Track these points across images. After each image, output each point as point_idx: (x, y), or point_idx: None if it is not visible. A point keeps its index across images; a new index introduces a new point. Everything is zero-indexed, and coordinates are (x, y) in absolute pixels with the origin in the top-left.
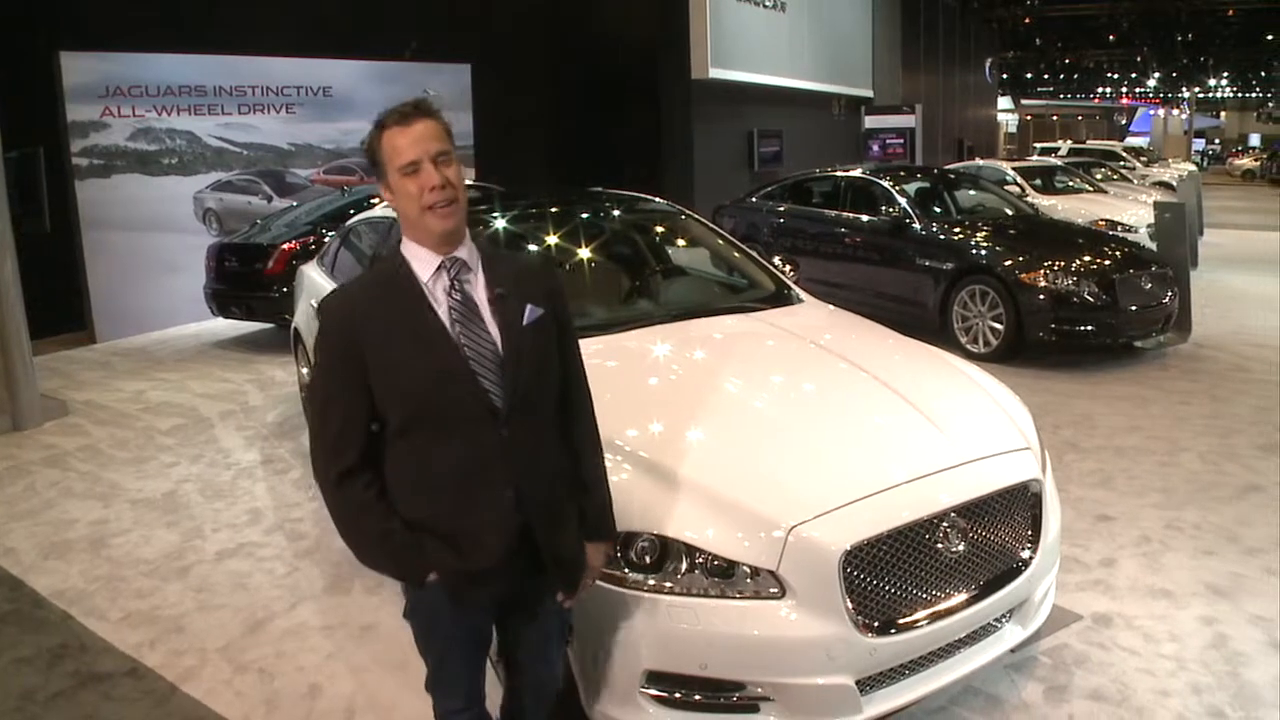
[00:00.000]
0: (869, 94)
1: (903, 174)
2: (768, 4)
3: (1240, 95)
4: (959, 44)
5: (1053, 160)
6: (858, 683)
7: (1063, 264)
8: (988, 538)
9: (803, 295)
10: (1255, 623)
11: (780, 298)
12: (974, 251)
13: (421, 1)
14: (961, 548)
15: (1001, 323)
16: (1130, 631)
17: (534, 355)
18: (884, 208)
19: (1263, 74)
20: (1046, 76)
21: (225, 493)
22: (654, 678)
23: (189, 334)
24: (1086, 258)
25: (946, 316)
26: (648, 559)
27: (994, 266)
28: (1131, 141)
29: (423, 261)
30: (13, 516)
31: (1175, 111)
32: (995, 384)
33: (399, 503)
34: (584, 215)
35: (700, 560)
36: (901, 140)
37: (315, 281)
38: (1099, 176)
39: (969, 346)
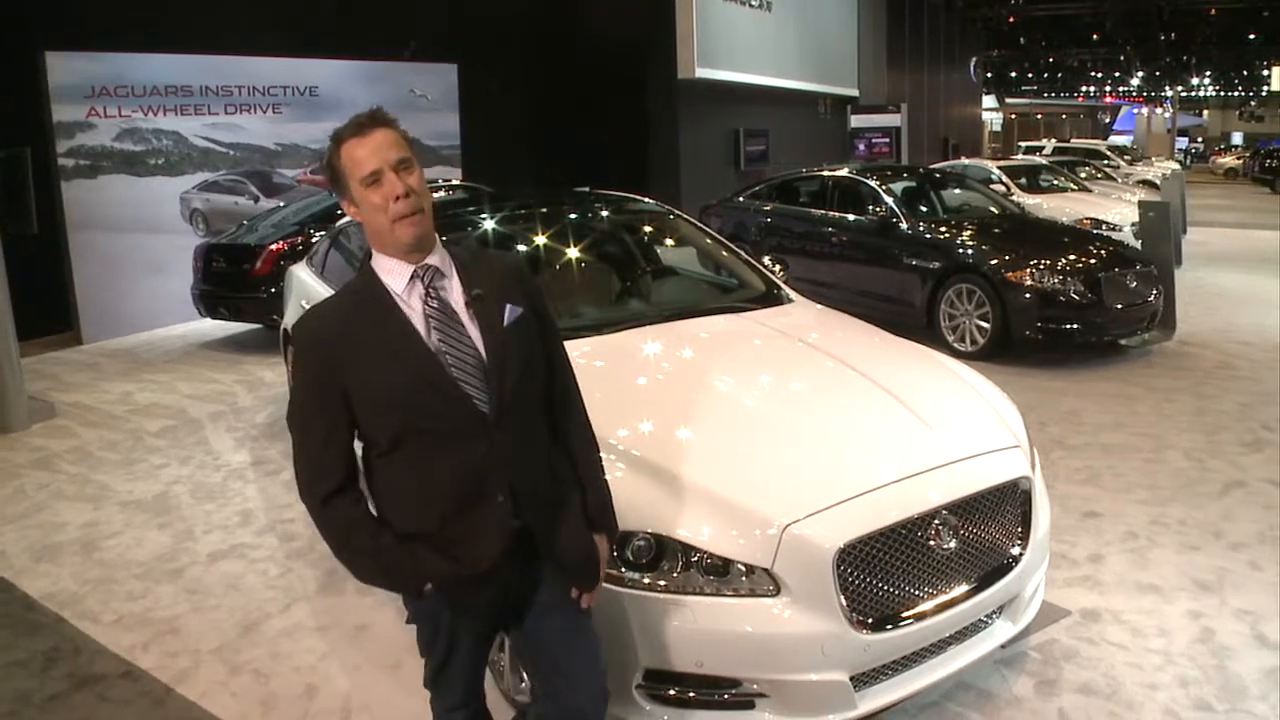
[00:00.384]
0: (855, 93)
1: (889, 173)
2: (754, 3)
3: (1223, 94)
4: (944, 43)
5: (1038, 159)
6: (852, 679)
7: (1049, 263)
8: (979, 535)
9: (793, 295)
10: (1240, 617)
11: (770, 298)
12: (961, 251)
13: (408, 1)
14: (953, 545)
15: (988, 321)
16: (1118, 626)
17: (519, 355)
18: (871, 207)
19: (1245, 73)
20: (1030, 75)
21: (216, 494)
22: (651, 675)
23: (176, 335)
24: (1072, 256)
25: (934, 315)
26: (643, 558)
27: (981, 265)
28: (1115, 140)
29: (394, 274)
30: (2, 519)
31: (1159, 110)
32: (984, 382)
33: (396, 516)
34: (574, 216)
35: (696, 559)
36: (887, 139)
37: (305, 282)
38: (1083, 175)
39: (956, 345)
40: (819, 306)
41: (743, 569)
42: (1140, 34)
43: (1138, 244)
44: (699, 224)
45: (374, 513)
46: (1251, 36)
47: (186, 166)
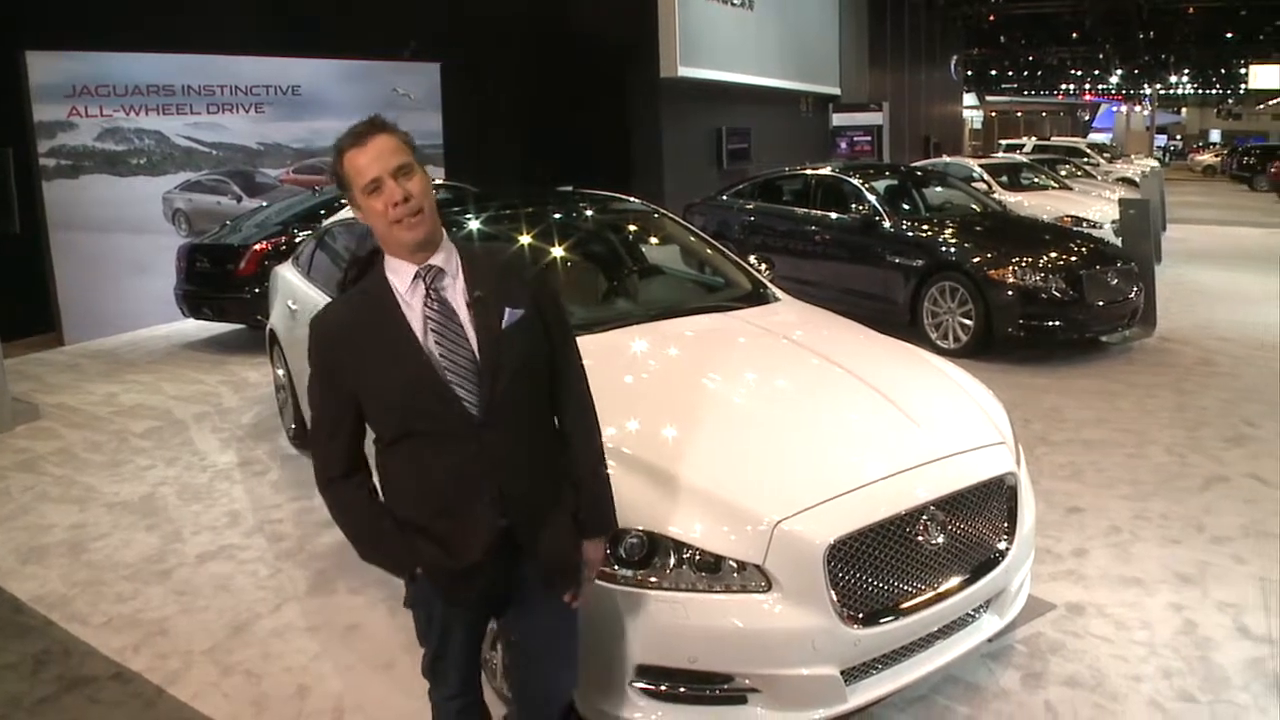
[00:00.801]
0: (836, 92)
1: (872, 172)
2: (736, 2)
3: (1201, 92)
4: (925, 41)
5: (1018, 157)
6: (842, 673)
7: (1030, 260)
8: (966, 530)
9: (779, 294)
10: (1222, 609)
11: (757, 296)
12: (943, 249)
13: (391, 1)
14: (941, 540)
15: (971, 319)
16: (1102, 619)
17: (515, 358)
18: (854, 205)
19: (1223, 71)
20: (1010, 73)
21: (203, 495)
22: (644, 671)
23: (159, 335)
24: (1054, 254)
25: (917, 313)
26: (636, 555)
27: (963, 263)
28: (1095, 138)
29: (399, 273)
30: None
31: (1137, 108)
32: (970, 379)
33: (397, 504)
34: (560, 216)
35: (688, 555)
36: (869, 138)
37: (290, 283)
38: (1064, 173)
39: (939, 342)
40: (805, 305)
41: (734, 565)
42: (1119, 32)
43: (1118, 241)
44: (684, 223)
45: (379, 496)
46: (1229, 35)
47: (169, 166)
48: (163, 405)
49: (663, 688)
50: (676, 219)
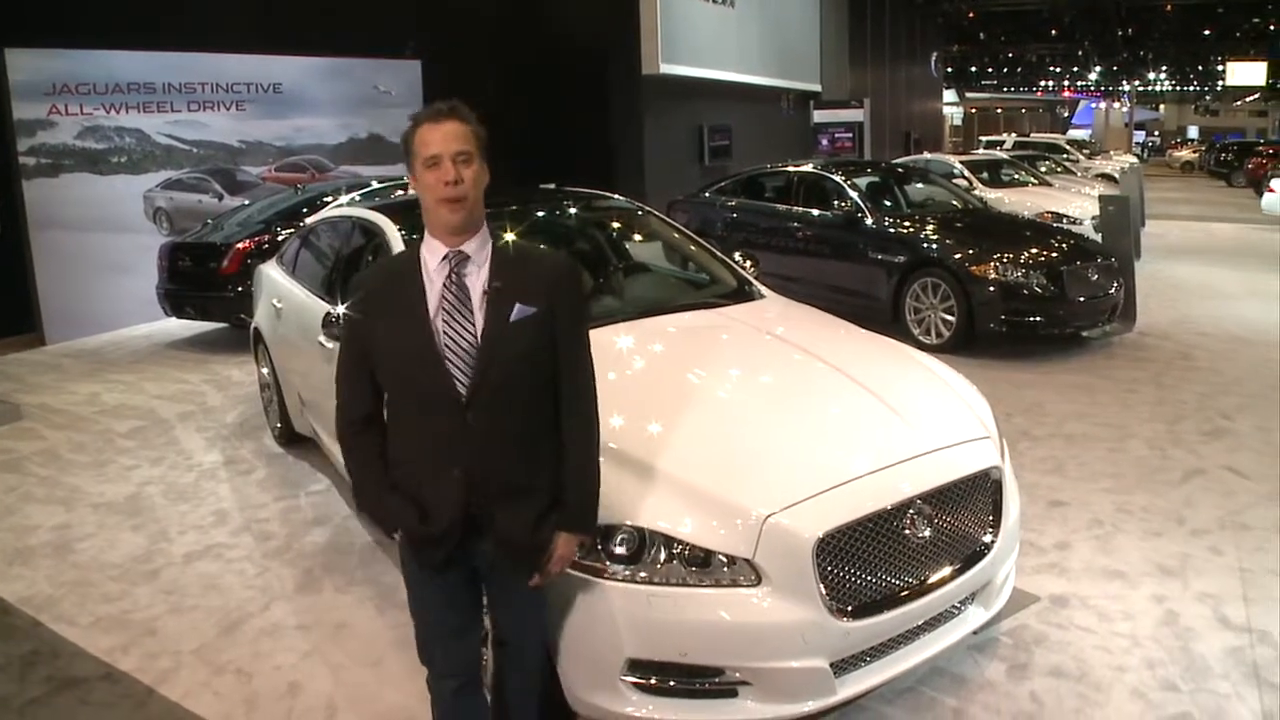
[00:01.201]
0: (817, 88)
1: (854, 168)
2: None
3: (1179, 88)
4: (905, 38)
5: (998, 153)
6: (832, 665)
7: (1012, 256)
8: (952, 524)
9: (764, 290)
10: (1203, 600)
11: (742, 293)
12: (925, 245)
13: None
14: (928, 534)
15: (953, 314)
16: (1086, 611)
17: (514, 351)
18: (836, 202)
19: (1200, 68)
20: (990, 70)
21: (189, 495)
22: (635, 665)
23: (141, 335)
24: (1034, 250)
25: (899, 309)
26: (626, 550)
27: (945, 259)
28: (1074, 134)
29: (433, 251)
30: None
31: (1116, 104)
32: (954, 374)
33: (391, 465)
34: (546, 213)
35: (678, 550)
36: (850, 134)
37: (275, 281)
38: (1044, 169)
39: (921, 338)
40: (791, 302)
41: (724, 560)
42: (1098, 29)
43: (1098, 237)
44: (669, 220)
45: (383, 451)
46: (1206, 32)
47: (149, 164)
48: (146, 405)
49: (653, 681)
50: (661, 216)
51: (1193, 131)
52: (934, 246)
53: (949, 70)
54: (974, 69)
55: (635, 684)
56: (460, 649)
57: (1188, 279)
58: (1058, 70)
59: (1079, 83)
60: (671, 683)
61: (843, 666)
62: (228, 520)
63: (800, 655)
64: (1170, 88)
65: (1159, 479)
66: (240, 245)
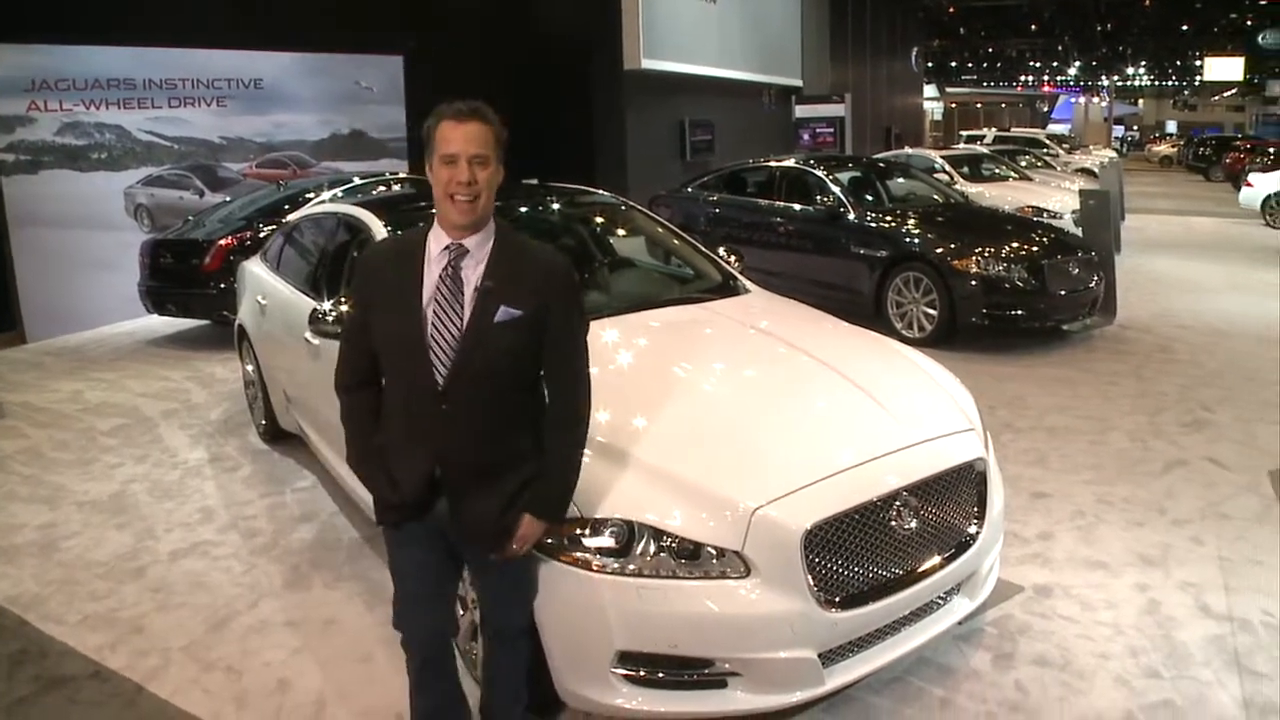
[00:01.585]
0: (798, 83)
1: (835, 163)
2: None
3: (1157, 83)
4: (885, 33)
5: (979, 148)
6: (820, 656)
7: (993, 250)
8: (938, 515)
9: (749, 285)
10: (1184, 588)
11: (727, 288)
12: (907, 239)
13: None
14: (914, 525)
15: (935, 308)
16: (1069, 601)
17: (495, 349)
18: (818, 197)
19: (1178, 62)
20: (970, 65)
21: (174, 492)
22: (625, 657)
23: (123, 332)
24: (1016, 244)
25: (881, 303)
26: (615, 543)
27: (927, 254)
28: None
29: (437, 240)
30: None
31: (1095, 99)
32: (938, 368)
33: (381, 428)
34: (530, 209)
35: (667, 543)
36: (831, 129)
37: (259, 278)
38: (1024, 164)
39: (904, 332)
40: (776, 296)
41: (713, 552)
42: (1077, 24)
43: (1079, 231)
44: (654, 215)
45: (374, 410)
46: (1185, 27)
47: (130, 161)
48: (129, 403)
49: (643, 673)
50: (645, 211)
51: (1171, 126)
52: (916, 241)
53: (929, 65)
54: (954, 64)
55: (625, 676)
56: (426, 616)
57: (1167, 272)
58: (1037, 65)
59: (1058, 78)
60: (661, 674)
61: (831, 657)
62: (214, 517)
63: (789, 646)
64: (1149, 83)
65: (1140, 470)
66: (222, 242)
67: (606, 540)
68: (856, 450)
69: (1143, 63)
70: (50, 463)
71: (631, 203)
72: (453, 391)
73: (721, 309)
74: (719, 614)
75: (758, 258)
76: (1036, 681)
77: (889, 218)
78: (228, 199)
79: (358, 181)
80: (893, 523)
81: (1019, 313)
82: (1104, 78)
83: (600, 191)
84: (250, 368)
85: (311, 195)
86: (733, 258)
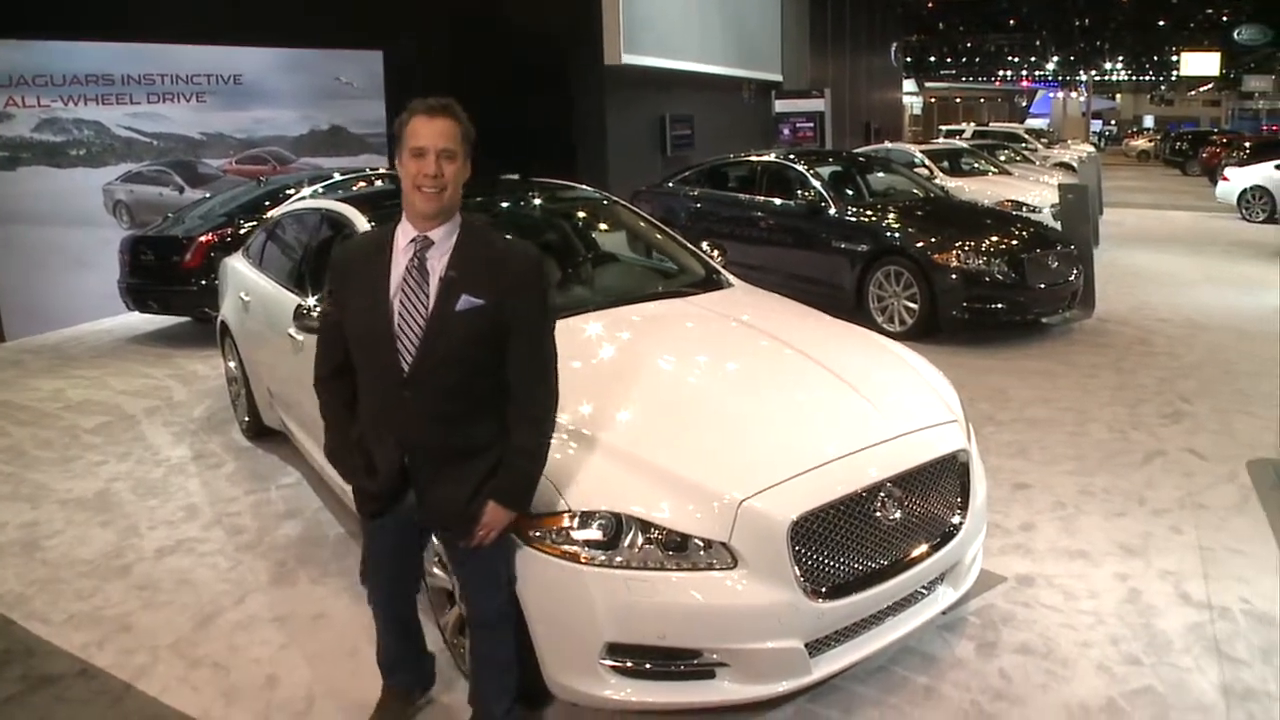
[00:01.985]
0: (778, 78)
1: (816, 158)
2: None
3: (1134, 78)
4: (865, 28)
5: (958, 143)
6: (807, 646)
7: (973, 244)
8: (922, 506)
9: (732, 280)
10: (1164, 577)
11: (711, 282)
12: (888, 234)
13: None
14: (898, 515)
15: (916, 302)
16: (1051, 590)
17: (457, 338)
18: (799, 191)
19: (1155, 57)
20: (949, 60)
21: (158, 490)
22: (614, 649)
23: (103, 330)
24: (996, 238)
25: (863, 297)
26: (603, 535)
27: (908, 248)
28: (1032, 123)
29: (404, 232)
30: None
31: (1073, 94)
32: (921, 360)
33: (359, 419)
34: (515, 204)
35: (655, 535)
36: (811, 124)
37: (242, 274)
38: (1003, 158)
39: (885, 326)
40: (759, 290)
41: (701, 544)
42: (1055, 19)
43: (1058, 225)
44: (637, 210)
45: (350, 402)
46: (1161, 23)
47: (109, 157)
48: (111, 400)
49: (631, 665)
50: (628, 205)
51: (1148, 121)
52: (897, 235)
53: (908, 60)
54: (933, 59)
55: (614, 667)
56: (390, 589)
57: (1145, 266)
58: (1016, 60)
59: (1037, 72)
60: (649, 665)
61: (817, 647)
62: (198, 515)
63: (776, 636)
64: (1126, 77)
65: (1120, 461)
66: (203, 238)
67: (594, 533)
68: (841, 442)
69: (1120, 58)
70: (32, 461)
71: (614, 197)
72: (417, 378)
73: (705, 303)
74: (706, 605)
75: (739, 253)
76: (1020, 669)
77: (870, 212)
78: (208, 195)
79: (338, 177)
80: (877, 514)
81: (999, 306)
82: (1082, 73)
83: (583, 186)
84: (233, 364)
85: (292, 191)
86: (715, 252)
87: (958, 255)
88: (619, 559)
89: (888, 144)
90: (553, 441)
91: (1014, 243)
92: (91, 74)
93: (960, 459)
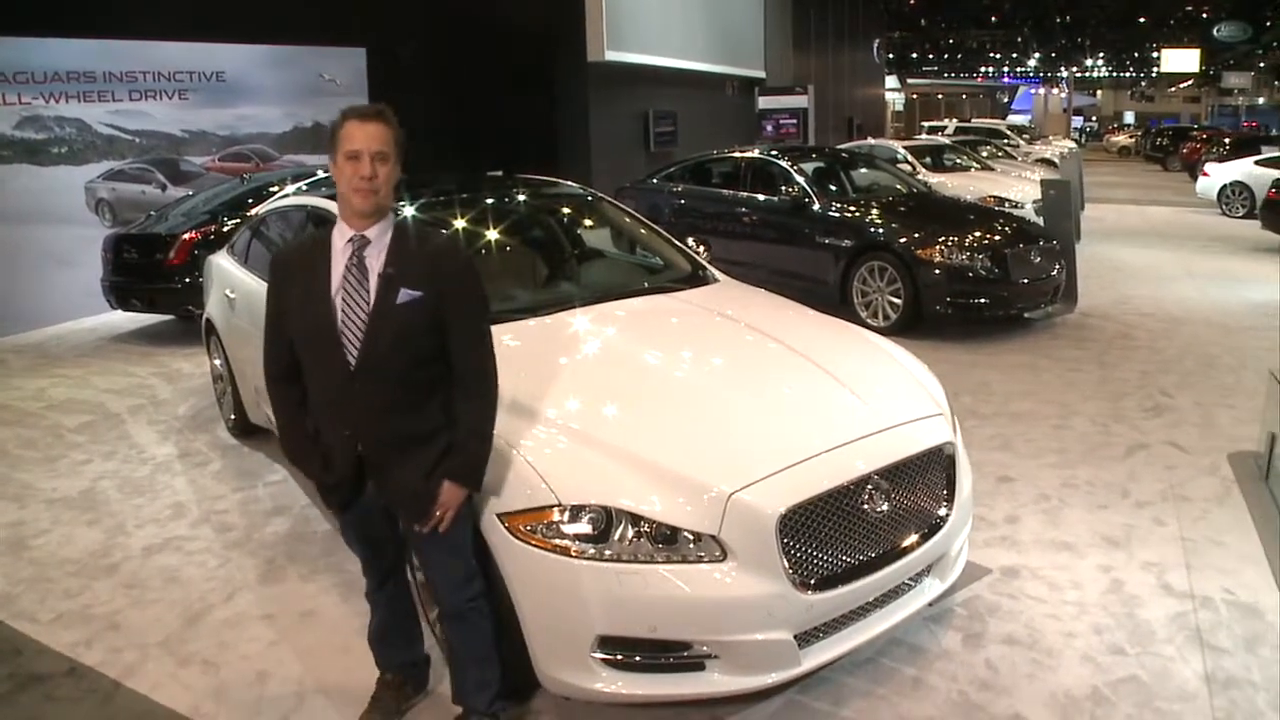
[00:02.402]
0: (761, 75)
1: (800, 154)
2: None
3: (1115, 75)
4: (847, 24)
5: (941, 139)
6: (796, 637)
7: (957, 240)
8: (909, 498)
9: (718, 275)
10: (1147, 568)
11: (696, 278)
12: (872, 229)
13: None
14: (885, 508)
15: (900, 297)
16: (1036, 581)
17: (398, 330)
18: (783, 187)
19: (1136, 54)
20: (931, 56)
21: (144, 488)
22: (604, 642)
23: (86, 329)
24: (979, 233)
25: (847, 292)
26: (593, 529)
27: (892, 243)
28: (1014, 119)
29: (341, 233)
30: None
31: (1055, 90)
32: (906, 354)
33: (310, 416)
34: (497, 201)
35: (645, 528)
36: (795, 120)
37: (227, 271)
38: (985, 154)
39: (869, 321)
40: (745, 285)
41: (690, 536)
42: (1037, 16)
43: (1040, 221)
44: (623, 206)
45: (302, 401)
46: (1142, 20)
47: (91, 155)
48: (95, 399)
49: (622, 657)
50: (613, 201)
51: (1129, 117)
52: (880, 231)
53: (891, 56)
54: (915, 55)
55: (604, 660)
56: (379, 578)
57: (1127, 261)
58: (997, 56)
59: (1018, 69)
60: (639, 658)
61: (806, 638)
62: (186, 513)
63: (765, 628)
64: (1107, 74)
65: (1103, 454)
66: (186, 236)
67: (584, 527)
68: (828, 435)
69: (1101, 54)
70: (16, 460)
71: (599, 193)
72: (363, 371)
73: (691, 298)
74: (696, 597)
75: (723, 248)
76: (1006, 660)
77: (853, 208)
78: (191, 193)
79: (322, 175)
80: (865, 506)
81: (983, 301)
82: (1063, 69)
83: (567, 182)
84: (219, 362)
85: (276, 188)
86: (700, 248)
87: (941, 250)
88: (609, 552)
89: (870, 140)
90: (541, 436)
91: (997, 238)
92: (73, 71)
93: (946, 452)
